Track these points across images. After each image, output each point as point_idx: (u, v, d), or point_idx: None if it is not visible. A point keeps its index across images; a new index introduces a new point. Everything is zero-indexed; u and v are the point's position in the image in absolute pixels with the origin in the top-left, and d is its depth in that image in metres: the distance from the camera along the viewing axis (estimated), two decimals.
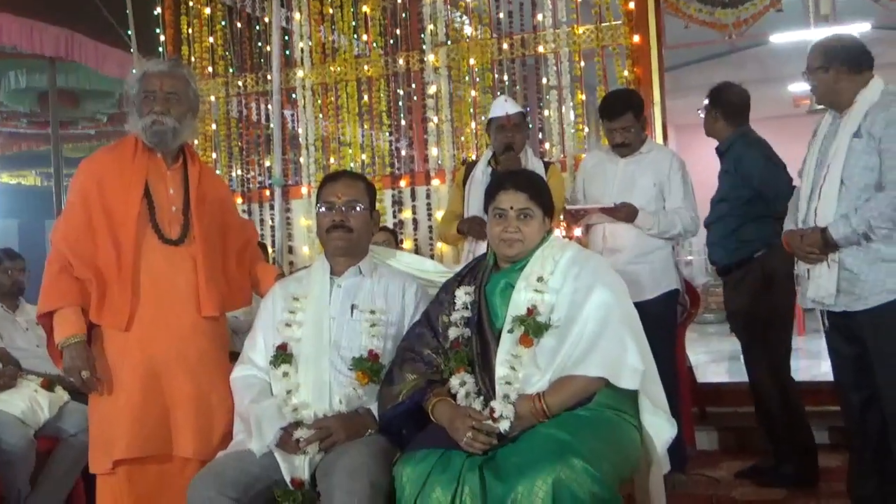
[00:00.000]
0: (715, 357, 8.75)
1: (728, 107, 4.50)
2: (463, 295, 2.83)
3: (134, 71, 3.18)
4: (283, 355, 2.89)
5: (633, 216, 4.21)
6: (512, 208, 2.78)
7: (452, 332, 2.78)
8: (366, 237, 3.07)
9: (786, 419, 4.32)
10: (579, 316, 2.62)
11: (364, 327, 2.90)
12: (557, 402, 2.54)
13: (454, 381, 2.68)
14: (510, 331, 2.67)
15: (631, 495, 2.73)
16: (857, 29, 8.30)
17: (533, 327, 2.63)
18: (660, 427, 2.67)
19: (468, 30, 5.86)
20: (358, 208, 3.01)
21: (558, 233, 3.35)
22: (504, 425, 2.51)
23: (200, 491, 2.58)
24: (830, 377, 4.08)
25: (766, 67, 11.62)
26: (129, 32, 6.49)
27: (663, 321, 4.32)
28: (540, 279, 2.71)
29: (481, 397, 2.64)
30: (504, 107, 4.44)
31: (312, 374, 2.84)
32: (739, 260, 4.42)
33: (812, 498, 4.09)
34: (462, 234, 4.48)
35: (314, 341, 2.89)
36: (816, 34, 6.43)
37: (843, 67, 3.42)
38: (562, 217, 4.40)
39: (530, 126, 4.55)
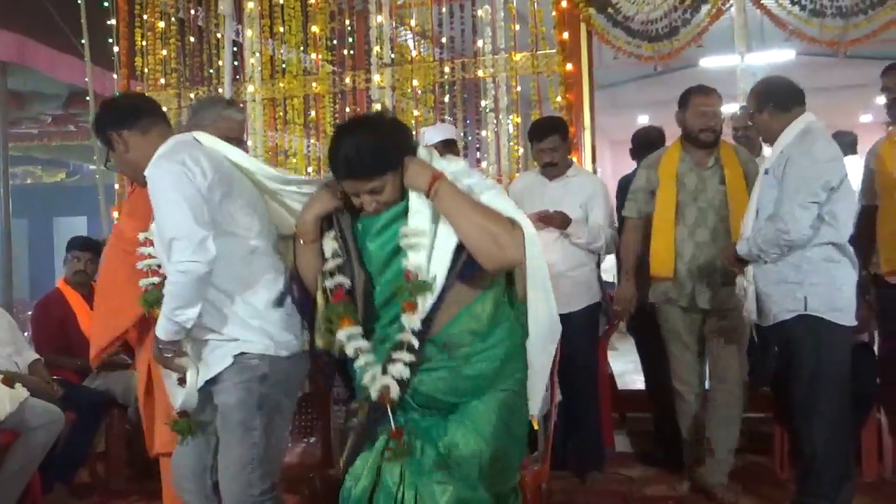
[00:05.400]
0: (639, 367, 9.02)
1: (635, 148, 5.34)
2: (331, 243, 2.74)
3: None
4: None
5: (567, 224, 4.54)
6: (359, 195, 2.65)
7: (329, 283, 2.72)
8: None
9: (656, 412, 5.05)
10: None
11: None
12: (453, 191, 2.58)
13: (342, 335, 2.65)
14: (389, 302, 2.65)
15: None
16: (782, 56, 8.79)
17: (412, 288, 2.58)
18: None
19: (413, 51, 6.17)
20: None
21: None
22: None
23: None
24: None
25: None
26: (83, 41, 6.69)
27: (587, 331, 4.70)
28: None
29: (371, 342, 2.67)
30: (422, 137, 4.78)
31: None
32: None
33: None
34: None
35: None
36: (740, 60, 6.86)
37: (774, 107, 3.79)
38: None
39: (459, 149, 4.78)
